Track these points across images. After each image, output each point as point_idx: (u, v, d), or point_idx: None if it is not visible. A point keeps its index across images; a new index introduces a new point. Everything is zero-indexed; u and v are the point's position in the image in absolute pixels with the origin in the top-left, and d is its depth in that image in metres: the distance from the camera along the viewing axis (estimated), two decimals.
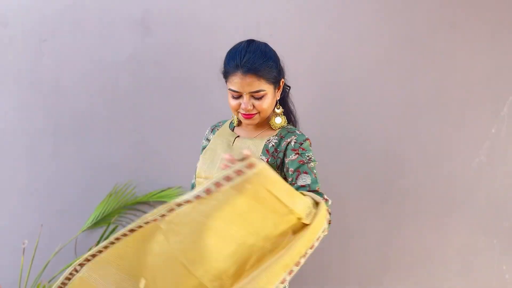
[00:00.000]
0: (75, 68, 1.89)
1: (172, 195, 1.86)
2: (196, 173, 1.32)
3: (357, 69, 2.00)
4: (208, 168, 1.29)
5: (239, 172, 0.90)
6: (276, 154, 1.26)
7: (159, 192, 1.90)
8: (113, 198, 1.86)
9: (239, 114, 1.27)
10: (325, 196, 1.18)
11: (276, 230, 1.01)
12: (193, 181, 1.40)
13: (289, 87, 1.39)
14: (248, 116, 1.25)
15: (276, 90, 1.30)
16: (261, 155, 1.26)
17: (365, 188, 2.06)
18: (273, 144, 1.28)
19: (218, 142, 1.34)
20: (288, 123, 1.37)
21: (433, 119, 2.04)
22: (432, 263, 2.11)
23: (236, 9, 1.94)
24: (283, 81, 1.33)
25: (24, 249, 1.78)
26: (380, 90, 2.01)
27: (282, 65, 1.32)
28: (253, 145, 1.28)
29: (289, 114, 1.40)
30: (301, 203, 1.02)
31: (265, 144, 1.28)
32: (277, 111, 1.32)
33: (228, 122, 1.41)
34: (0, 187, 1.90)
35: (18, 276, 1.79)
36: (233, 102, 1.26)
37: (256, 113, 1.26)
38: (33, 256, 1.76)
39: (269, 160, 1.25)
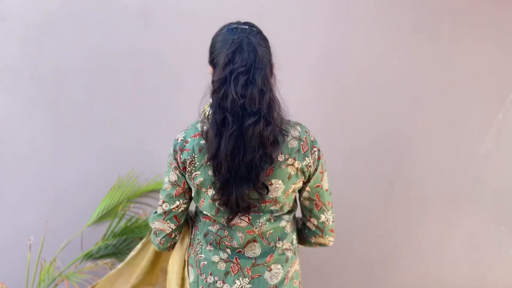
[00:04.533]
0: (76, 61, 1.87)
1: None
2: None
3: (362, 58, 1.98)
4: None
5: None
6: None
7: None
8: (117, 191, 1.85)
9: None
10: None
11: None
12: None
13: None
14: None
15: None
16: None
17: (372, 175, 2.05)
18: None
19: None
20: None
21: (439, 106, 2.02)
22: (440, 250, 2.12)
23: (238, 0, 1.91)
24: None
25: (30, 245, 1.77)
26: (385, 78, 1.99)
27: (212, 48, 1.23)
28: None
29: None
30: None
31: None
32: None
33: None
34: (3, 184, 1.89)
35: (26, 273, 1.78)
36: None
37: None
38: (40, 253, 1.75)
39: None
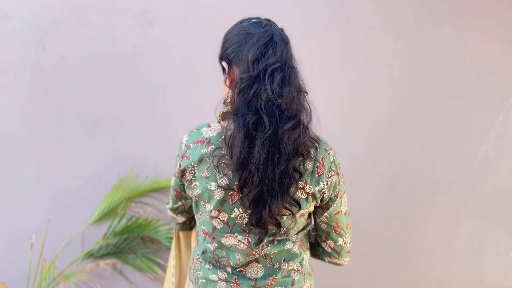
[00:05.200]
0: (77, 61, 1.87)
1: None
2: None
3: (363, 57, 1.98)
4: None
5: None
6: None
7: (165, 181, 1.90)
8: (117, 191, 1.85)
9: None
10: None
11: None
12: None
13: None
14: None
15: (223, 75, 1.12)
16: None
17: (372, 176, 2.05)
18: None
19: None
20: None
21: (440, 108, 2.02)
22: (440, 251, 2.12)
23: (241, 0, 1.91)
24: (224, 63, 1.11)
25: (31, 244, 1.78)
26: (386, 78, 2.00)
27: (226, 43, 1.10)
28: None
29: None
30: None
31: None
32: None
33: None
34: (4, 183, 1.89)
35: (27, 272, 1.79)
36: None
37: None
38: (41, 252, 1.76)
39: None
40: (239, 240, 1.10)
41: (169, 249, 1.93)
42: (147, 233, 1.85)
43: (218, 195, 1.06)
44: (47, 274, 1.73)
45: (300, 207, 1.06)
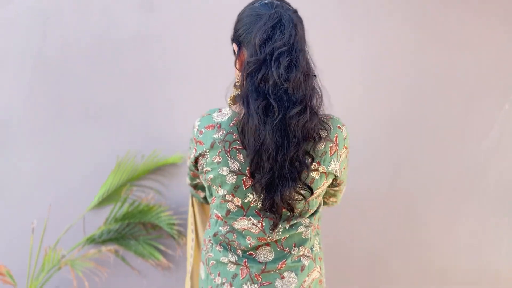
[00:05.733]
0: (79, 46, 1.86)
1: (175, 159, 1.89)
2: None
3: (366, 46, 1.96)
4: None
5: None
6: None
7: (162, 158, 1.89)
8: (116, 174, 1.83)
9: None
10: None
11: None
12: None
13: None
14: None
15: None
16: None
17: (376, 166, 2.04)
18: None
19: None
20: None
21: (443, 98, 2.01)
22: (442, 241, 2.10)
23: None
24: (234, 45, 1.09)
25: (33, 229, 1.78)
26: (388, 68, 1.98)
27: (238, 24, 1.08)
28: None
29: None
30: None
31: None
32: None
33: None
34: (8, 170, 1.89)
35: (28, 257, 1.79)
36: None
37: None
38: (42, 236, 1.75)
39: None
40: (253, 224, 1.10)
41: (170, 235, 1.93)
42: (148, 218, 1.84)
43: (230, 180, 1.07)
44: (49, 259, 1.72)
45: (312, 192, 1.06)
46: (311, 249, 1.17)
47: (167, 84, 1.92)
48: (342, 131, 1.10)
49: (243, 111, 1.00)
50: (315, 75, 1.02)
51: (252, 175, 1.02)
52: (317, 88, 1.02)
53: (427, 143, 2.03)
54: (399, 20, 1.95)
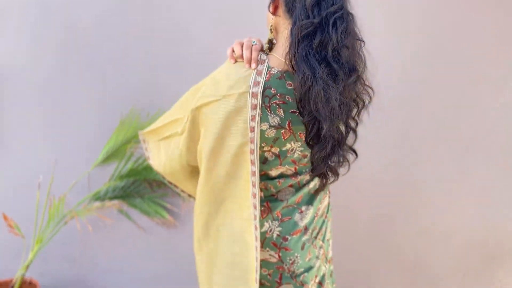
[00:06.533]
0: (85, 1, 1.82)
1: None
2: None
3: (375, 19, 1.88)
4: None
5: None
6: None
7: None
8: (120, 131, 1.82)
9: None
10: None
11: None
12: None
13: None
14: None
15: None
16: None
17: (385, 123, 1.98)
18: None
19: None
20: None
21: (459, 55, 1.92)
22: (450, 198, 2.06)
23: None
24: None
25: (39, 184, 1.79)
26: (399, 33, 1.89)
27: None
28: None
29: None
30: None
31: None
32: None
33: None
34: (14, 124, 1.89)
35: (35, 211, 1.80)
36: None
37: None
38: (48, 192, 1.76)
39: None
40: (288, 168, 1.12)
41: (176, 194, 1.92)
42: (153, 175, 1.83)
43: (269, 133, 1.05)
44: (57, 209, 1.73)
45: (357, 156, 1.12)
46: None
47: (173, 43, 1.87)
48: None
49: (278, 64, 1.02)
50: (363, 41, 1.02)
51: (308, 143, 1.05)
52: (362, 54, 1.03)
53: (437, 99, 1.96)
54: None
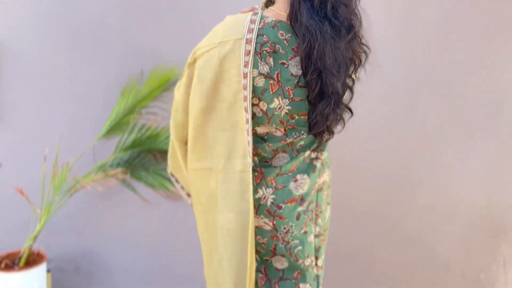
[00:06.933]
0: None
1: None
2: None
3: (378, 12, 1.84)
4: None
5: None
6: None
7: (162, 83, 1.86)
8: (122, 102, 1.82)
9: None
10: None
11: None
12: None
13: None
14: None
15: None
16: None
17: (389, 99, 1.97)
18: None
19: None
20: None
21: (465, 35, 1.90)
22: (454, 176, 2.06)
23: None
24: None
25: (45, 157, 1.80)
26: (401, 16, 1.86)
27: None
28: None
29: None
30: None
31: None
32: None
33: None
34: (18, 97, 1.90)
35: (41, 183, 1.82)
36: None
37: None
38: (55, 163, 1.78)
39: None
40: (276, 128, 1.11)
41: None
42: (156, 144, 1.84)
43: (258, 82, 1.05)
44: (64, 177, 1.75)
45: (352, 114, 1.14)
46: (322, 152, 1.20)
47: (176, 11, 1.86)
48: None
49: (276, 15, 1.03)
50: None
51: (310, 102, 1.05)
52: (358, 12, 1.04)
53: (444, 74, 1.95)
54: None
